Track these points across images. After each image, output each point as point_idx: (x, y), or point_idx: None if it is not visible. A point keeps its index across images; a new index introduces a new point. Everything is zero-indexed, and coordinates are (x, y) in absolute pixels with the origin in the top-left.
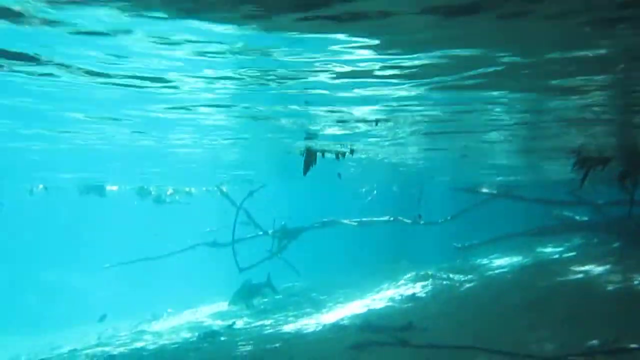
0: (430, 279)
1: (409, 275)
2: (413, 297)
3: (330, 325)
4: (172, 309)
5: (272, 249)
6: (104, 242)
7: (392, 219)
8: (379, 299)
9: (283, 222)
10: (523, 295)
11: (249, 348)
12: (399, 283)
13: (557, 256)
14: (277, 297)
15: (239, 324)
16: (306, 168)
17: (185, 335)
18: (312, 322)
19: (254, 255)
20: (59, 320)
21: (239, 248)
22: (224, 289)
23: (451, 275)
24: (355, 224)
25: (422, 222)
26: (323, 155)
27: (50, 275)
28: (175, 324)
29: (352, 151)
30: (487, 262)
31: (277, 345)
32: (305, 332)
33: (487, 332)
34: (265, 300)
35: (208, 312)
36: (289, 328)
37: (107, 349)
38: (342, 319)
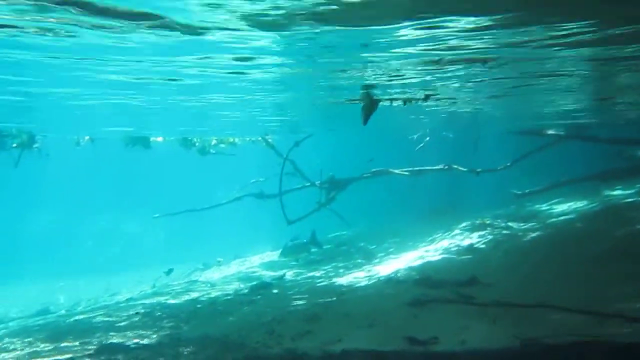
0: (488, 228)
1: (463, 224)
2: (471, 248)
3: (384, 279)
4: (221, 258)
5: (320, 200)
6: (154, 192)
7: (446, 167)
8: (433, 250)
9: (331, 173)
10: (597, 246)
11: (302, 302)
12: (454, 233)
13: (631, 200)
14: (326, 247)
15: (289, 275)
16: (366, 117)
17: (237, 286)
18: (365, 275)
19: (302, 207)
20: (114, 264)
21: (286, 200)
22: (271, 240)
23: (510, 224)
24: (407, 173)
25: (479, 172)
26: (391, 102)
27: (105, 222)
28: (226, 273)
29: (426, 97)
30: (547, 208)
31: (331, 299)
32: (358, 285)
33: (559, 288)
34: (314, 250)
35: (257, 263)
36: (341, 281)
37: (162, 299)
38: (397, 272)
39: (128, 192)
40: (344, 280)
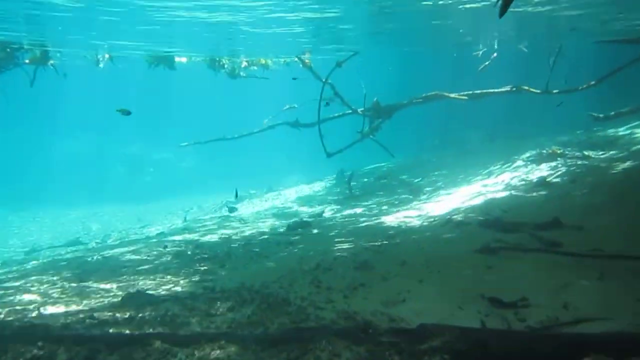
0: (560, 159)
1: (526, 154)
2: (543, 183)
3: (440, 219)
4: (254, 190)
5: (363, 129)
6: (183, 117)
7: (513, 89)
8: (492, 184)
9: (375, 98)
10: None
11: (347, 246)
12: (516, 164)
13: None
14: (364, 180)
15: (328, 212)
16: (506, 5)
17: (272, 223)
18: (415, 214)
19: (341, 137)
20: (145, 192)
21: (324, 129)
22: (306, 172)
23: (587, 153)
24: (466, 97)
25: (559, 97)
26: None
27: (135, 149)
28: (259, 208)
29: None
30: (627, 133)
31: (380, 243)
32: (410, 226)
33: None
34: (353, 183)
35: (292, 197)
36: (388, 220)
37: (194, 236)
38: (454, 211)
39: (156, 118)
40: (391, 219)
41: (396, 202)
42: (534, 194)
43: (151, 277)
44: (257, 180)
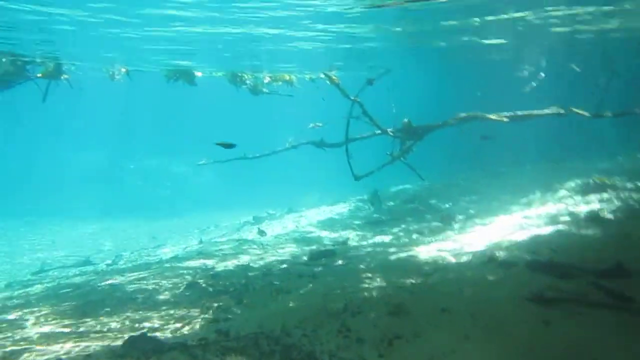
0: (610, 190)
1: (571, 183)
2: (596, 218)
3: (479, 256)
4: (273, 210)
5: (393, 151)
6: (204, 132)
7: (561, 111)
8: (535, 216)
9: (406, 119)
10: None
11: (377, 283)
12: (559, 194)
13: None
14: (390, 203)
15: (353, 238)
16: None
17: (293, 250)
18: (449, 246)
19: (368, 158)
20: (162, 208)
21: (351, 150)
22: (328, 193)
23: None
24: (507, 119)
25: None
26: None
27: (153, 163)
28: (279, 231)
29: None
30: None
31: (414, 281)
32: (446, 262)
33: None
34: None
35: (314, 219)
36: (420, 253)
37: (209, 262)
38: (494, 247)
39: (176, 132)
40: (424, 252)
41: (426, 231)
42: (586, 231)
43: (160, 313)
44: (277, 198)
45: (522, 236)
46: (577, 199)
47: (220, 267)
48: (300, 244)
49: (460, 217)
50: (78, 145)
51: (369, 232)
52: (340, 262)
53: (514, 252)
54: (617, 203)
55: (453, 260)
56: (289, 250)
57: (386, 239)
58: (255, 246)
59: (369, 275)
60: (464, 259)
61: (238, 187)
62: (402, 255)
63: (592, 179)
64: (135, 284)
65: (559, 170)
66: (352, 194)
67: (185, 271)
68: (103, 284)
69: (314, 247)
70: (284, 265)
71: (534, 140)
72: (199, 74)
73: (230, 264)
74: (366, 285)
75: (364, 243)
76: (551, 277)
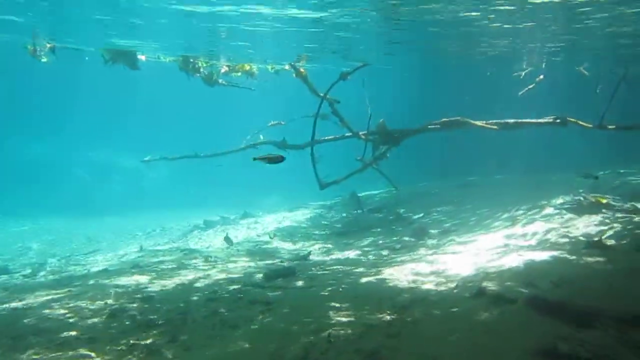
0: (607, 211)
1: (559, 200)
2: (598, 245)
3: (465, 285)
4: (228, 213)
5: (364, 156)
6: (155, 126)
7: (557, 120)
8: (521, 236)
9: (382, 120)
10: None
11: (346, 318)
12: (546, 212)
13: None
14: (355, 211)
15: (316, 252)
16: None
17: (246, 265)
18: (426, 269)
19: (337, 163)
20: (107, 203)
21: (319, 152)
22: (288, 197)
23: (638, 205)
24: (496, 127)
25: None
26: None
27: (100, 155)
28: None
29: None
30: None
31: (391, 317)
32: (426, 292)
33: None
34: (343, 215)
35: (271, 227)
36: (394, 277)
37: (144, 279)
38: (481, 274)
39: (129, 124)
40: (397, 275)
41: (397, 247)
42: (589, 259)
43: (68, 354)
44: (233, 200)
45: (512, 262)
46: (568, 219)
47: (157, 286)
48: (255, 257)
49: (434, 231)
50: (16, 134)
51: (333, 245)
52: (300, 283)
53: (506, 283)
54: (616, 227)
55: (433, 288)
56: (242, 265)
57: (352, 254)
58: (202, 258)
59: (335, 305)
60: (447, 287)
61: (193, 186)
62: (373, 279)
63: (582, 197)
64: (46, 308)
65: (536, 182)
66: (314, 199)
67: (113, 291)
68: (4, 306)
69: (270, 262)
70: (234, 287)
71: (503, 150)
72: (142, 57)
73: (170, 282)
74: (332, 321)
75: (328, 259)
76: (561, 321)
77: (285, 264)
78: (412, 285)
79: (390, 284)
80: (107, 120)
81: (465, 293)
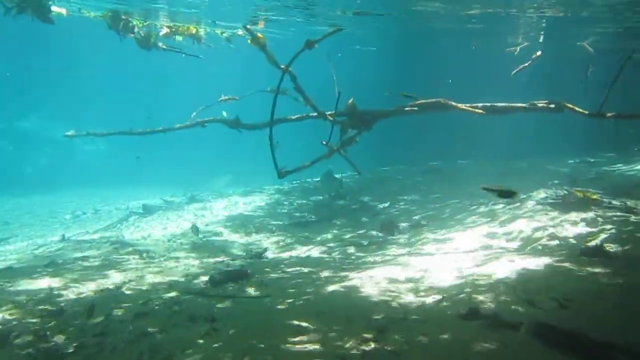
0: (597, 209)
1: (540, 194)
2: (598, 251)
3: (453, 300)
4: (171, 196)
5: (330, 140)
6: (90, 92)
7: (551, 105)
8: (504, 235)
9: (351, 99)
10: None
11: (311, 346)
12: (528, 207)
13: None
14: (314, 198)
15: (272, 248)
16: None
17: (189, 264)
18: (401, 275)
19: (294, 147)
20: (35, 178)
21: (277, 134)
22: (240, 177)
23: (629, 203)
24: (482, 111)
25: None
26: None
27: (27, 125)
28: (173, 229)
29: None
30: None
31: (366, 346)
32: (405, 306)
33: None
34: (301, 202)
35: (221, 214)
36: (366, 285)
37: (59, 283)
38: (469, 284)
39: (61, 91)
40: (367, 282)
41: (365, 243)
42: (592, 270)
43: None
44: (178, 179)
45: (503, 269)
46: (554, 217)
47: (72, 294)
48: (201, 252)
49: (403, 224)
50: None
51: (292, 239)
52: (253, 291)
53: (501, 298)
54: (612, 229)
55: (413, 301)
56: (184, 263)
57: (315, 252)
58: (136, 254)
59: (295, 324)
60: (430, 301)
61: (133, 161)
62: (340, 287)
63: (567, 190)
64: None
65: (504, 169)
66: (270, 182)
67: (13, 301)
68: None
69: (219, 260)
70: (172, 294)
71: (481, 132)
72: (59, 9)
73: (91, 288)
74: (293, 349)
75: (287, 257)
76: (574, 357)
77: (237, 262)
78: (387, 297)
79: (361, 295)
80: (35, 84)
81: (453, 310)
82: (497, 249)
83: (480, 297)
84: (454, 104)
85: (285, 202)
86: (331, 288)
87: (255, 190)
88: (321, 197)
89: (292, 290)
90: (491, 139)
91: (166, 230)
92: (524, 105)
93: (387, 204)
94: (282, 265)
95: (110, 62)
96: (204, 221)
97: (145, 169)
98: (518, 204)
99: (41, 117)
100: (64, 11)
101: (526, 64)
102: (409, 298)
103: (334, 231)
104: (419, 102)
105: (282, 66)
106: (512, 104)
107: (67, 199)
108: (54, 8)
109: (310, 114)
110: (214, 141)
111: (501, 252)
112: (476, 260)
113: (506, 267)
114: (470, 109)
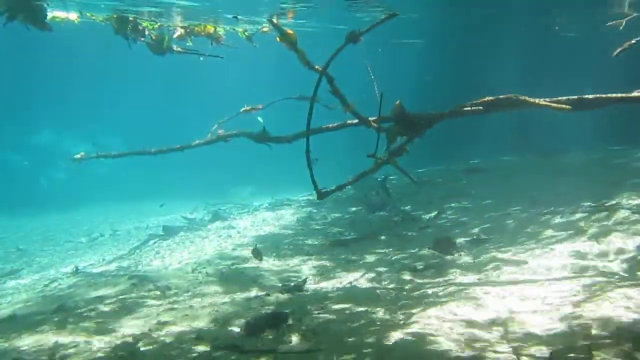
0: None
1: (632, 197)
2: None
3: (563, 358)
4: (192, 212)
5: (377, 150)
6: (106, 103)
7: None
8: (599, 256)
9: (398, 101)
10: None
11: None
12: (620, 217)
13: None
14: (351, 209)
15: (309, 275)
16: None
17: (219, 301)
18: (482, 317)
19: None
20: (49, 196)
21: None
22: (264, 187)
23: None
24: (569, 107)
25: None
26: None
27: (44, 137)
28: (198, 255)
29: None
30: None
31: None
32: None
33: None
34: (336, 215)
35: (249, 235)
36: (437, 333)
37: (65, 339)
38: (579, 331)
39: (75, 102)
40: (439, 325)
41: (420, 267)
42: None
43: None
44: (199, 189)
45: (619, 310)
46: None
47: (80, 355)
48: (230, 285)
49: (461, 240)
50: None
51: (333, 263)
52: (297, 341)
53: (637, 357)
54: None
55: (511, 357)
56: (211, 301)
57: (362, 280)
58: (157, 291)
59: None
60: (536, 358)
61: (152, 172)
62: (406, 335)
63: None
64: None
65: (554, 166)
66: (297, 190)
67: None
68: None
69: (251, 296)
70: (200, 348)
71: (515, 125)
72: (59, 13)
73: (103, 345)
74: None
75: (330, 289)
76: None
77: (272, 298)
78: (473, 350)
79: (437, 347)
80: (50, 97)
81: None
82: (597, 276)
83: (603, 355)
84: (529, 99)
85: (317, 217)
86: (395, 336)
87: (283, 203)
88: (354, 209)
89: (348, 340)
90: (521, 130)
91: (189, 256)
92: (620, 95)
93: (433, 214)
94: (327, 302)
95: (123, 69)
96: (230, 243)
97: (162, 178)
98: (605, 214)
99: (55, 131)
100: (74, 17)
101: (633, 41)
102: (505, 351)
103: (379, 250)
104: (484, 99)
105: (317, 67)
106: (606, 95)
107: (84, 217)
108: (61, 14)
109: (349, 121)
110: (235, 144)
111: (605, 281)
112: (575, 293)
113: (623, 305)
114: (552, 104)
